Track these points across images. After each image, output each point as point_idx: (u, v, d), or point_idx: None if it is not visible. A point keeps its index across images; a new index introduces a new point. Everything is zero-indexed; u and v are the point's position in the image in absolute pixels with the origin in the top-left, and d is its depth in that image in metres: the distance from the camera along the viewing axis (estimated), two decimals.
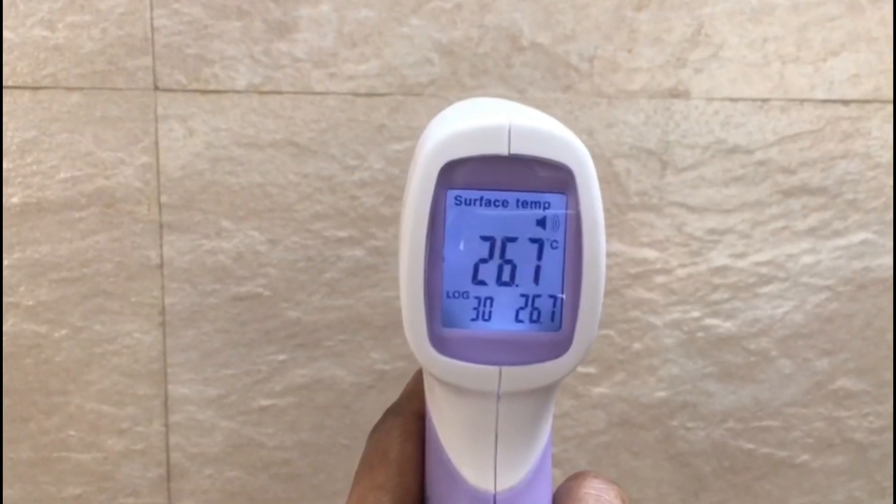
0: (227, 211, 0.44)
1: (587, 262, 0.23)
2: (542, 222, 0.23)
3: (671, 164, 0.45)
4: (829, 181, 0.46)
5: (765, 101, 0.45)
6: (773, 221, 0.46)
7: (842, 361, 0.47)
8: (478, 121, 0.23)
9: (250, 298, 0.45)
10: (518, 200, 0.23)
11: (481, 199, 0.23)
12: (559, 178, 0.23)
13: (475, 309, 0.23)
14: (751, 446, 0.48)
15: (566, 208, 0.23)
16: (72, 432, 0.45)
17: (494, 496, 0.24)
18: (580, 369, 0.46)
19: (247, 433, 0.46)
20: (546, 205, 0.23)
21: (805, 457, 0.48)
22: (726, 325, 0.47)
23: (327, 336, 0.45)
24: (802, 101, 0.45)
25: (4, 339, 0.44)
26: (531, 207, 0.23)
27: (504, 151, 0.23)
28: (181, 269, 0.44)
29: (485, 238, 0.23)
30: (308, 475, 0.46)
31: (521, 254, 0.23)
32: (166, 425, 0.45)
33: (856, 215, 0.46)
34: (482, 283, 0.23)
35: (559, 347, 0.23)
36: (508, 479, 0.24)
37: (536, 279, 0.23)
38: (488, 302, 0.23)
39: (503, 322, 0.23)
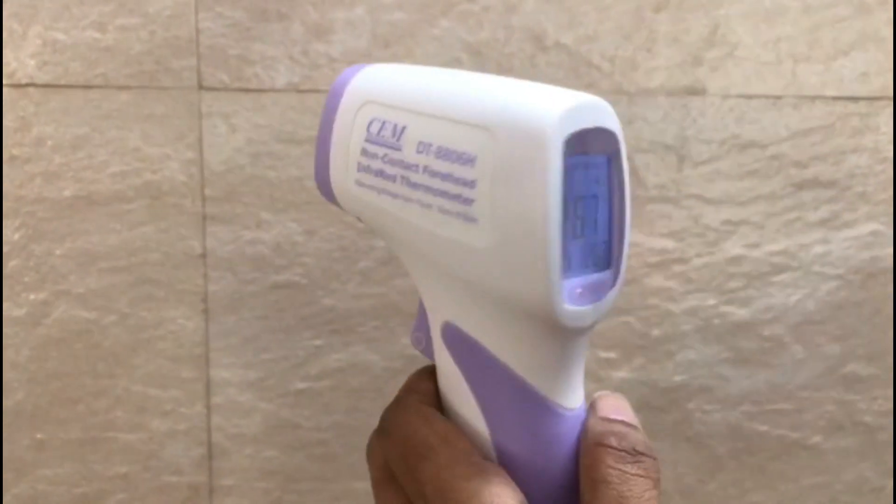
0: (266, 203, 0.46)
1: (627, 211, 0.27)
2: (598, 180, 0.26)
3: (688, 158, 0.48)
4: (840, 174, 0.48)
5: (778, 98, 0.47)
6: (786, 213, 0.48)
7: (852, 347, 0.50)
8: (580, 97, 0.25)
9: (288, 286, 0.47)
10: (586, 163, 0.26)
11: (572, 164, 0.25)
12: (610, 143, 0.26)
13: (567, 260, 0.26)
14: (765, 428, 0.50)
15: (610, 168, 0.26)
16: (119, 413, 0.47)
17: (578, 413, 0.28)
18: (601, 354, 0.49)
19: (284, 415, 0.48)
20: (601, 165, 0.26)
21: (817, 438, 0.50)
22: (741, 312, 0.49)
23: (361, 322, 0.47)
24: (814, 98, 0.48)
25: (56, 324, 0.46)
26: (594, 169, 0.26)
27: (601, 124, 0.26)
28: (223, 258, 0.46)
29: (568, 197, 0.25)
30: (342, 455, 0.48)
31: (587, 208, 0.26)
32: (208, 407, 0.48)
33: (865, 207, 0.49)
34: (570, 236, 0.26)
35: (611, 281, 0.27)
36: (581, 396, 0.28)
37: (595, 229, 0.27)
38: (573, 253, 0.26)
39: (584, 268, 0.27)
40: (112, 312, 0.47)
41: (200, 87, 0.45)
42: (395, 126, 0.27)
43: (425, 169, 0.26)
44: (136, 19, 0.45)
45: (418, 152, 0.26)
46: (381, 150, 0.27)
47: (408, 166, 0.26)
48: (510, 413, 0.27)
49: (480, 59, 0.46)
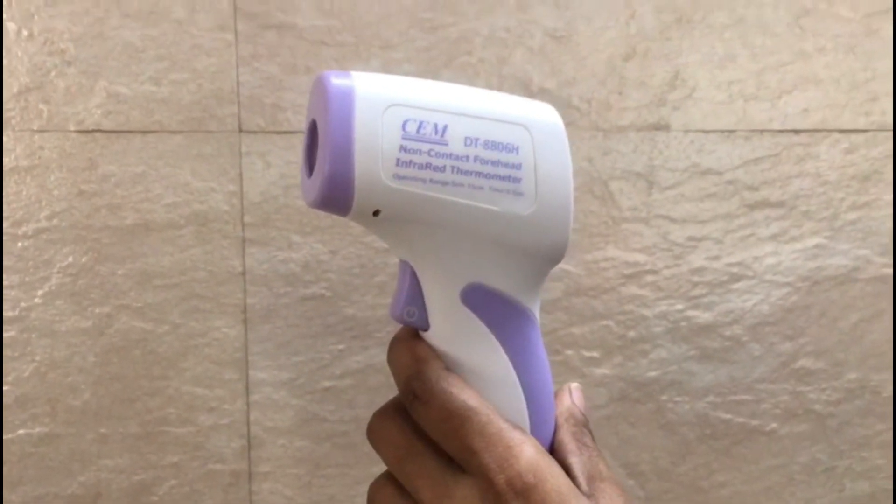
0: (296, 228, 0.54)
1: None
2: None
3: (656, 184, 0.56)
4: (787, 196, 0.56)
5: (731, 131, 0.56)
6: (741, 230, 0.56)
7: (802, 345, 0.57)
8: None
9: (315, 299, 0.55)
10: None
11: None
12: None
13: None
14: (728, 416, 0.57)
15: None
16: (171, 410, 0.55)
17: None
18: (585, 353, 0.56)
19: (313, 410, 0.56)
20: None
21: (774, 425, 0.58)
22: (705, 316, 0.57)
23: (377, 329, 0.55)
24: (762, 131, 0.56)
25: (117, 334, 0.54)
26: None
27: None
28: (260, 275, 0.54)
29: None
30: (363, 444, 0.56)
31: None
32: (247, 404, 0.55)
33: (809, 224, 0.56)
34: None
35: None
36: None
37: None
38: None
39: None
40: (165, 323, 0.54)
41: (240, 130, 0.53)
42: (436, 125, 0.32)
43: (476, 158, 0.33)
44: (186, 74, 0.53)
45: (466, 145, 0.33)
46: (424, 146, 0.32)
47: (457, 157, 0.33)
48: (521, 340, 0.35)
49: None
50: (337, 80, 0.32)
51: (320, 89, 0.33)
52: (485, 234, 0.34)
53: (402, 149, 0.32)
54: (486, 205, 0.33)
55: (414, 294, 0.35)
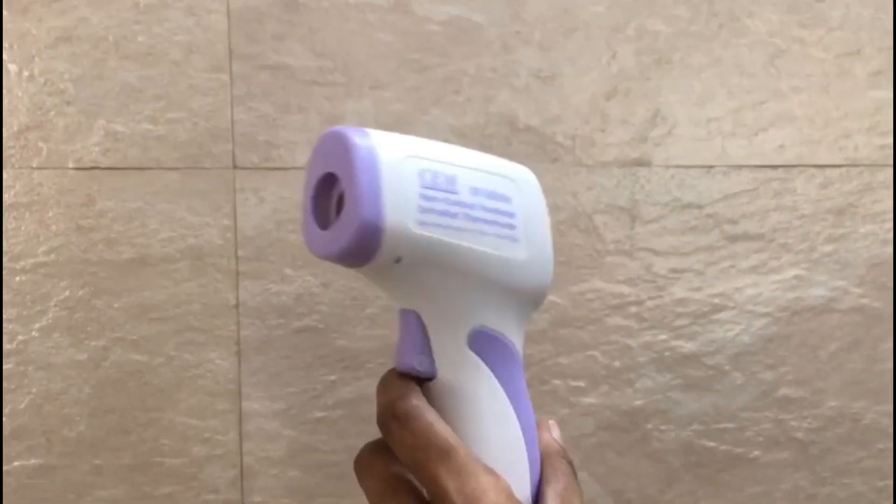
0: (289, 261, 0.55)
1: None
2: None
3: (639, 217, 0.57)
4: (765, 229, 0.58)
5: (711, 167, 0.58)
6: (722, 262, 0.58)
7: (783, 374, 0.59)
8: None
9: (307, 331, 0.56)
10: None
11: None
12: None
13: None
14: (712, 444, 0.59)
15: None
16: (165, 441, 0.56)
17: None
18: (571, 383, 0.58)
19: (305, 440, 0.57)
20: None
21: (757, 452, 0.59)
22: (688, 346, 0.58)
23: (369, 360, 0.56)
24: (740, 166, 0.58)
25: (113, 366, 0.55)
26: None
27: None
28: (253, 308, 0.56)
29: None
30: (354, 474, 0.57)
31: None
32: (240, 434, 0.56)
33: (787, 256, 0.58)
34: None
35: None
36: None
37: None
38: None
39: None
40: (160, 355, 0.55)
41: (235, 166, 0.55)
42: (447, 176, 0.35)
43: (481, 206, 0.35)
44: (183, 113, 0.54)
45: (473, 195, 0.35)
46: (440, 195, 0.34)
47: (467, 206, 0.35)
48: (516, 380, 0.37)
49: (465, 140, 0.56)
50: (359, 137, 0.34)
51: (341, 145, 0.34)
52: (489, 278, 0.36)
53: (423, 196, 0.34)
54: (492, 250, 0.35)
55: (423, 343, 0.36)
